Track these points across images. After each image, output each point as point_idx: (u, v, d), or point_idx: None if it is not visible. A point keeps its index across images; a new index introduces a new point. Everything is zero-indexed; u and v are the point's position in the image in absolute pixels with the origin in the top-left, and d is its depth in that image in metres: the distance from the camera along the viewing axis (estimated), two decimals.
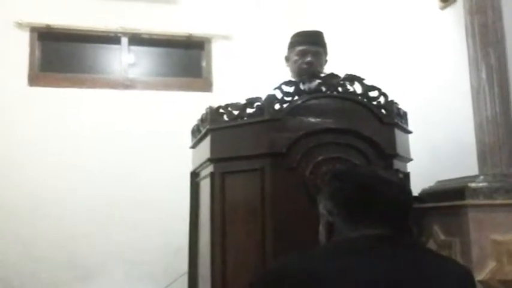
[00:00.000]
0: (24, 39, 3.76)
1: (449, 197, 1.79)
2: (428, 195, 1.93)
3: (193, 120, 2.20)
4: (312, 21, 3.25)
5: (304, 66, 2.39)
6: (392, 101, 1.91)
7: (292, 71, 2.47)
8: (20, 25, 3.73)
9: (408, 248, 1.03)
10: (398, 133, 1.90)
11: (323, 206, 1.10)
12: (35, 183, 3.50)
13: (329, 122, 1.81)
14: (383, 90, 1.90)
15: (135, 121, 3.71)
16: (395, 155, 1.85)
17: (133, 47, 3.98)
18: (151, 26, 3.94)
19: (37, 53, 3.82)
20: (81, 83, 3.82)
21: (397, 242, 1.02)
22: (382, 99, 1.90)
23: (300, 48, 2.43)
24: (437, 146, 2.23)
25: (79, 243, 3.49)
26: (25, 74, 3.72)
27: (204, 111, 2.03)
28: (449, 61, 2.22)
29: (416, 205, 1.88)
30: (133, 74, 3.94)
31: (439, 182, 1.99)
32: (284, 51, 2.55)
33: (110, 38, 3.93)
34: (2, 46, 3.68)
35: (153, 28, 3.95)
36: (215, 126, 1.90)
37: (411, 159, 2.03)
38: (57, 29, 3.80)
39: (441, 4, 2.25)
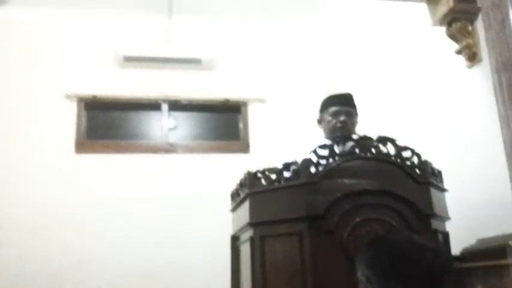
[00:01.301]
0: (72, 109, 4.00)
1: (491, 256, 1.77)
2: (470, 254, 1.91)
3: (232, 181, 2.26)
4: (344, 83, 3.34)
5: (339, 125, 2.45)
6: (426, 161, 1.93)
7: (326, 131, 2.54)
8: (68, 96, 3.98)
9: None
10: (434, 192, 1.91)
11: (361, 273, 1.13)
12: (79, 247, 3.60)
13: (365, 184, 1.84)
14: (416, 150, 1.93)
15: (175, 184, 3.83)
16: (433, 215, 1.85)
17: (173, 113, 4.17)
18: (190, 92, 4.13)
19: (84, 121, 4.04)
20: (124, 148, 3.99)
21: None
22: (415, 159, 1.93)
23: (333, 109, 2.50)
24: (475, 203, 2.22)
25: None
26: (72, 142, 3.93)
27: (242, 175, 2.09)
28: (480, 118, 2.25)
29: (458, 265, 1.87)
30: (174, 138, 4.10)
31: (479, 240, 1.97)
32: (317, 112, 2.64)
33: (151, 105, 4.14)
34: (52, 116, 3.91)
35: (191, 94, 4.14)
36: (253, 190, 1.96)
37: (449, 218, 2.02)
38: (102, 98, 4.03)
39: (468, 63, 2.31)
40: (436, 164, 2.02)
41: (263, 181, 1.98)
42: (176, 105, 4.16)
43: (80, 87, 4.00)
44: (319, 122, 2.59)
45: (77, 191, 3.74)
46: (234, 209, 2.31)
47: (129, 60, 4.02)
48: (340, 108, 2.49)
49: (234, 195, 2.27)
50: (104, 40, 4.09)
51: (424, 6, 2.47)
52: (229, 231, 2.34)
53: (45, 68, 3.99)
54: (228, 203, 2.39)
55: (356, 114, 2.52)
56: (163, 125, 4.13)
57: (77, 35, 4.10)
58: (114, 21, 4.10)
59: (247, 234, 1.98)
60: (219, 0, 3.93)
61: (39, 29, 4.03)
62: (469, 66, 2.32)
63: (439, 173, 2.05)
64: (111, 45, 4.04)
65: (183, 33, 3.97)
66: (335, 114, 2.48)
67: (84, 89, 4.01)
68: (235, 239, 2.27)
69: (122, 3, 3.93)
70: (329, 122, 2.50)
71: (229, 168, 3.10)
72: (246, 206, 2.00)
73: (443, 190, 2.04)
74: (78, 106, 4.03)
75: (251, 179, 2.00)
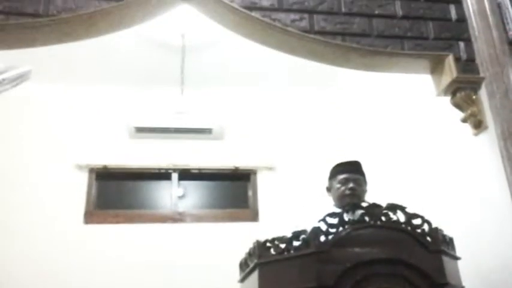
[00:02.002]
0: (83, 179, 4.06)
1: None
2: None
3: (241, 251, 2.24)
4: (352, 151, 3.38)
5: (348, 192, 2.47)
6: (436, 228, 1.91)
7: (335, 199, 2.55)
8: (80, 167, 4.04)
9: None
10: (446, 260, 1.87)
11: None
12: None
13: (375, 252, 1.82)
14: (426, 217, 1.92)
15: (184, 254, 3.79)
16: (446, 284, 1.80)
17: (182, 182, 4.20)
18: (200, 161, 4.19)
19: (93, 191, 4.07)
20: (133, 218, 4.00)
21: None
22: (426, 227, 1.91)
23: (341, 176, 2.52)
24: (488, 270, 2.18)
25: None
26: (81, 213, 3.95)
27: (251, 245, 2.07)
28: (489, 184, 2.25)
29: None
30: (183, 207, 4.11)
31: None
32: (326, 180, 2.65)
33: (161, 175, 4.18)
34: (63, 187, 3.96)
35: (201, 163, 4.20)
36: (263, 260, 1.93)
37: (463, 287, 1.97)
38: (113, 168, 4.09)
39: (474, 131, 2.34)
40: (447, 231, 2.00)
41: (272, 250, 1.96)
42: (186, 174, 4.20)
43: (91, 157, 4.08)
44: (328, 189, 2.61)
45: (84, 262, 3.72)
46: (242, 280, 2.26)
47: (140, 131, 4.11)
48: (348, 176, 2.51)
49: (243, 265, 2.23)
50: (117, 112, 4.21)
51: (428, 77, 2.54)
52: None
53: (58, 139, 4.09)
54: (236, 273, 2.35)
55: (365, 181, 2.54)
56: (172, 194, 4.15)
57: (90, 107, 4.24)
58: (127, 93, 4.24)
59: None
60: (229, 73, 4.07)
61: (52, 101, 4.18)
62: (475, 134, 2.34)
63: (451, 240, 2.02)
64: (124, 116, 4.15)
65: (194, 104, 4.07)
66: (344, 182, 2.50)
67: (96, 159, 4.08)
68: None
69: (134, 76, 4.08)
70: (338, 189, 2.52)
71: (238, 237, 3.08)
72: (254, 276, 1.96)
73: (455, 258, 2.01)
74: (89, 176, 4.09)
75: (260, 248, 1.97)
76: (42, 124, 4.12)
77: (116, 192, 4.18)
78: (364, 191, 2.52)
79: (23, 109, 4.06)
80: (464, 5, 2.54)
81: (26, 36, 2.18)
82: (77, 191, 4.01)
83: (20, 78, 3.17)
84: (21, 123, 4.05)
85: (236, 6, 2.31)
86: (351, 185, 2.47)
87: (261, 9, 2.33)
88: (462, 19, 2.54)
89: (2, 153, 3.92)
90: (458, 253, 2.03)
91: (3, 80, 3.10)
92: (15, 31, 2.12)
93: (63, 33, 2.22)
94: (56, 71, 3.87)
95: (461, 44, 2.47)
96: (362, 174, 2.55)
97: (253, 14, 2.31)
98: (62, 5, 2.18)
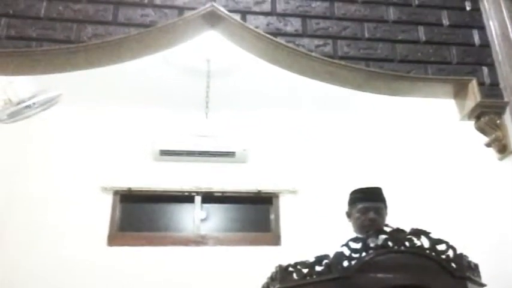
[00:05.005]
0: (107, 202, 4.10)
1: None
2: None
3: (263, 275, 2.23)
4: (374, 175, 3.36)
5: (368, 223, 2.44)
6: (461, 254, 1.88)
7: (355, 227, 2.52)
8: (105, 189, 4.10)
9: None
10: (471, 287, 1.85)
11: None
12: None
13: (399, 278, 1.79)
14: (450, 243, 1.90)
15: (206, 277, 3.78)
16: None
17: (205, 205, 4.23)
18: (223, 184, 4.21)
19: (117, 214, 4.12)
20: (156, 241, 4.01)
21: None
22: (451, 253, 1.88)
23: (361, 205, 2.49)
24: None
25: None
26: (105, 235, 3.98)
27: (273, 269, 2.07)
28: None
29: None
30: (205, 230, 4.12)
31: None
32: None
33: (185, 198, 4.21)
34: (87, 209, 4.01)
35: (224, 186, 4.21)
36: (285, 285, 1.92)
37: None
38: (137, 191, 4.13)
39: (499, 156, 2.32)
40: (472, 257, 1.96)
41: (295, 275, 1.95)
42: (209, 197, 4.23)
43: (116, 180, 4.13)
44: (348, 215, 2.58)
45: (107, 284, 3.73)
46: None
47: (165, 154, 4.16)
48: (368, 205, 2.47)
49: None
50: (141, 135, 4.28)
51: (451, 101, 2.54)
52: None
53: (83, 162, 4.16)
54: None
55: (385, 207, 2.51)
56: (195, 217, 4.17)
57: (115, 130, 4.31)
58: (152, 116, 4.31)
59: None
60: (253, 97, 4.12)
61: (77, 123, 4.27)
62: (500, 159, 2.32)
63: (476, 266, 1.98)
64: (148, 139, 4.22)
65: (218, 128, 4.12)
66: (363, 212, 2.47)
67: (120, 182, 4.13)
68: None
69: (160, 100, 4.15)
70: (357, 218, 2.49)
71: (260, 261, 3.06)
72: None
73: (481, 285, 1.97)
74: (114, 198, 4.14)
75: (282, 272, 1.96)
76: (67, 146, 4.20)
77: (139, 215, 4.22)
78: (384, 218, 2.49)
79: (49, 131, 4.16)
80: (488, 30, 2.55)
81: (58, 62, 2.26)
82: (101, 213, 4.05)
83: (50, 102, 3.27)
84: (47, 145, 4.15)
85: (261, 32, 2.35)
86: (371, 215, 2.44)
87: (286, 35, 2.37)
88: (485, 44, 2.54)
89: (27, 175, 4.01)
90: (483, 279, 1.99)
91: (34, 104, 3.20)
92: (48, 57, 2.20)
93: (93, 58, 2.29)
94: (81, 93, 3.94)
95: (485, 69, 2.47)
96: (382, 201, 2.53)
97: (277, 39, 2.35)
98: (92, 31, 2.25)
